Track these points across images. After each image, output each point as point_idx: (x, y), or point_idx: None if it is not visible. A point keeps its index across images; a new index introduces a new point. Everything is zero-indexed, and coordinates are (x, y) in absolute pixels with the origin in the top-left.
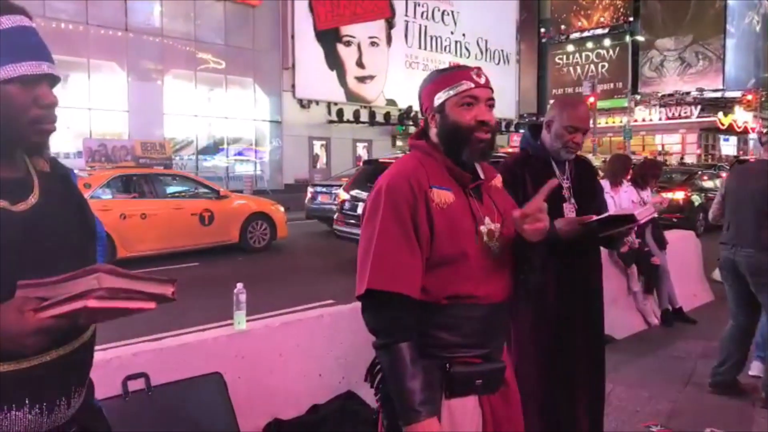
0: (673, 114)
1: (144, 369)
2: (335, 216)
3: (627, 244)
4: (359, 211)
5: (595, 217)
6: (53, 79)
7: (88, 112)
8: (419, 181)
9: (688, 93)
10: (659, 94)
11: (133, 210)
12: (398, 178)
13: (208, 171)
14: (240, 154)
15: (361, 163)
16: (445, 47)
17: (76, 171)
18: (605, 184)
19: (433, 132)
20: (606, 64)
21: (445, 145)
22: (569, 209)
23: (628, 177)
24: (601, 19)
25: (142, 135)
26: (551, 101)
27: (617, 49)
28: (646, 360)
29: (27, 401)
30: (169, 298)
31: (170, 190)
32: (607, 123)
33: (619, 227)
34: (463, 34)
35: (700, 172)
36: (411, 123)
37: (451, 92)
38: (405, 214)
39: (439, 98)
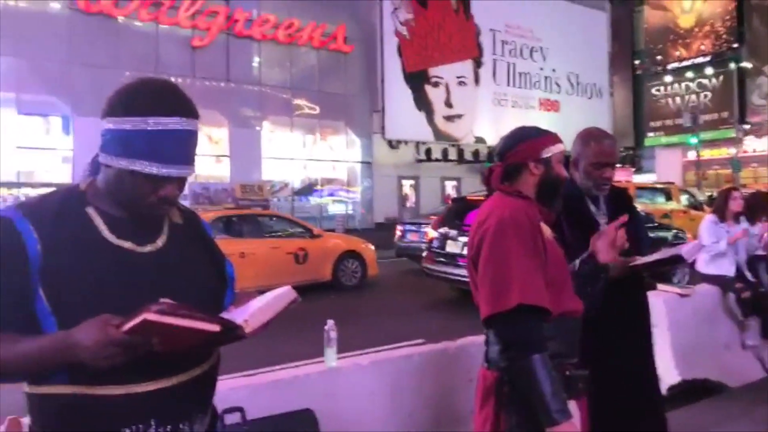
0: None
1: (239, 403)
2: (424, 254)
3: (747, 291)
4: (448, 249)
5: (641, 260)
6: (182, 178)
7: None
8: (532, 216)
9: None
10: None
11: (232, 249)
12: (517, 213)
13: (303, 211)
14: (333, 194)
15: (450, 201)
16: (535, 83)
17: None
18: (711, 218)
19: (529, 179)
20: (709, 94)
21: (542, 191)
22: None
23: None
24: (702, 47)
25: (242, 178)
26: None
27: (721, 77)
28: (765, 411)
29: (153, 423)
30: (240, 336)
31: (267, 230)
32: (712, 155)
33: (667, 266)
34: (553, 70)
35: None
36: None
37: (556, 150)
38: (530, 242)
39: (548, 152)
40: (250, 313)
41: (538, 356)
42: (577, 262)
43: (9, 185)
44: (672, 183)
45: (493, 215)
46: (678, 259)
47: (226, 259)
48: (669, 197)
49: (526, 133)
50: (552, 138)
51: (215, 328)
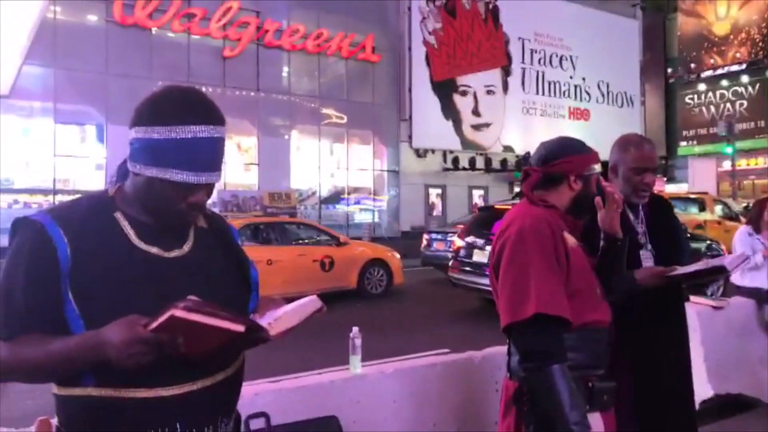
0: None
1: (264, 409)
2: (450, 263)
3: None
4: (475, 258)
5: (680, 270)
6: (211, 184)
7: (224, 166)
8: (554, 225)
9: None
10: None
11: (260, 256)
12: (538, 221)
13: (329, 219)
14: (359, 202)
15: (477, 210)
16: (564, 92)
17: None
18: (745, 229)
19: (566, 192)
20: (744, 102)
21: (575, 206)
22: (646, 257)
23: None
24: (737, 55)
25: (270, 186)
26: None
27: (757, 85)
28: None
29: (179, 426)
30: (263, 339)
31: (294, 237)
32: (748, 165)
33: (708, 278)
34: (583, 78)
35: None
36: None
37: (596, 170)
38: (551, 251)
39: (591, 170)
40: (275, 317)
41: (557, 367)
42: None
43: (45, 192)
44: (706, 193)
45: (514, 224)
46: (720, 270)
47: (251, 263)
48: (703, 207)
49: (573, 146)
50: (596, 157)
51: (240, 328)
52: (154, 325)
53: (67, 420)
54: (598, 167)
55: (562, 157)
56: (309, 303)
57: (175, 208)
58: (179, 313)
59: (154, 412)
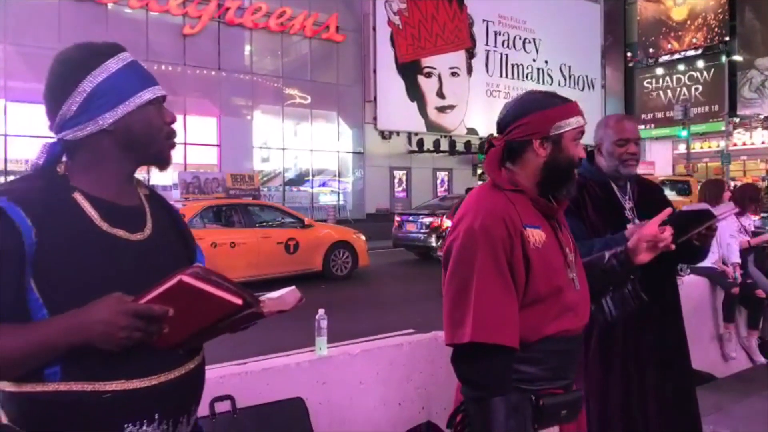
0: None
1: (230, 391)
2: (437, 243)
3: (736, 286)
4: None
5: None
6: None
7: (183, 147)
8: (513, 221)
9: None
10: (761, 116)
11: (223, 239)
12: (493, 218)
13: (294, 201)
14: (324, 184)
15: (464, 191)
16: (527, 75)
17: (171, 202)
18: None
19: (532, 161)
20: (700, 87)
21: (548, 177)
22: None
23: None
24: (694, 40)
25: (232, 167)
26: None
27: (712, 70)
28: (751, 400)
29: (157, 417)
30: (254, 315)
31: (258, 219)
32: (702, 148)
33: (695, 228)
34: (546, 61)
35: None
36: None
37: (571, 126)
38: (502, 258)
39: (560, 128)
40: (268, 297)
41: (498, 400)
42: (607, 254)
43: None
44: (690, 176)
45: (466, 217)
46: (706, 215)
47: (197, 246)
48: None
49: (535, 101)
50: (566, 109)
51: (238, 300)
52: (154, 294)
53: (26, 420)
54: (573, 122)
55: (521, 118)
56: (290, 293)
57: (163, 133)
58: (187, 278)
59: (131, 405)
